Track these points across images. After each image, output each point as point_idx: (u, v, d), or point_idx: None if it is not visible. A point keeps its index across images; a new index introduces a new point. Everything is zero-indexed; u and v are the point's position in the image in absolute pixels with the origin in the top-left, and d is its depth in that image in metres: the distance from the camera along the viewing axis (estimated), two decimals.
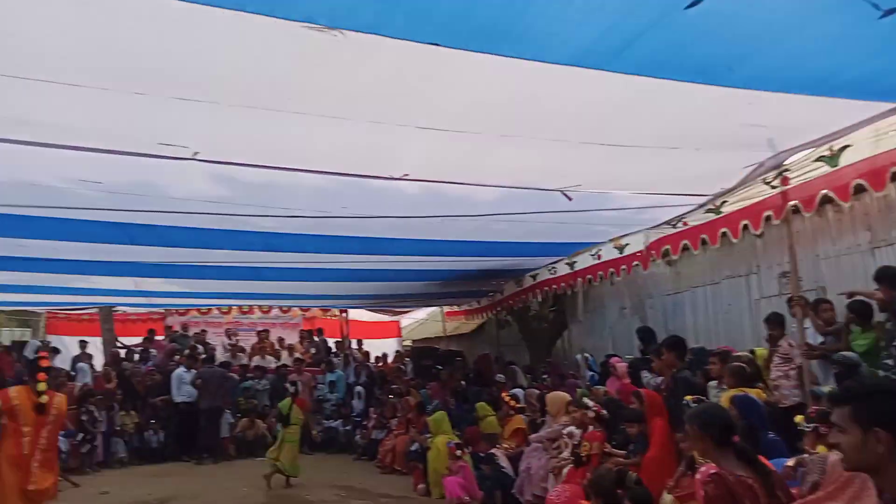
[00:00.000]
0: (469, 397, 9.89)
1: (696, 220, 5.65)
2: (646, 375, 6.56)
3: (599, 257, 7.22)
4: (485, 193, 4.99)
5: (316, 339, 14.20)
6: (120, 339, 13.46)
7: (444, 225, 5.83)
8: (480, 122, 3.56)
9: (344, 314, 15.73)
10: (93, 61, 2.77)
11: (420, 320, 16.69)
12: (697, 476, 3.72)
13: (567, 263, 7.83)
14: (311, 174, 4.38)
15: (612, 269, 7.09)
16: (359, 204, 5.11)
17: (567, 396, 6.82)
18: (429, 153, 4.05)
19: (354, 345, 14.79)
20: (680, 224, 5.88)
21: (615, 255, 6.98)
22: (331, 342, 14.59)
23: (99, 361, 12.17)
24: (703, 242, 5.73)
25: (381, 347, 15.14)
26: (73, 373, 11.03)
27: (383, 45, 2.66)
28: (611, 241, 6.88)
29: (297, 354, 13.65)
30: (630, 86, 3.02)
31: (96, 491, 8.12)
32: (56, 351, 11.71)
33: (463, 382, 11.10)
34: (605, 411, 5.87)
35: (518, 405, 8.13)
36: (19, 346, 11.62)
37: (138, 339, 13.57)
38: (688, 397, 4.14)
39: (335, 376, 12.68)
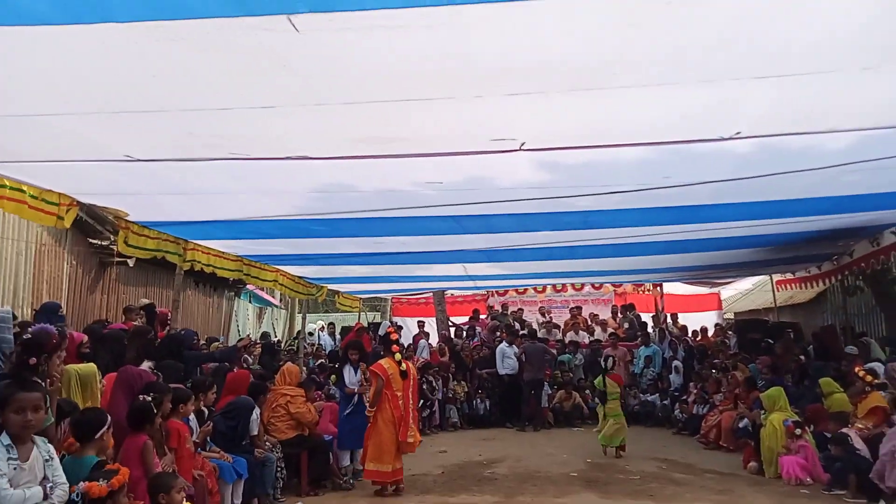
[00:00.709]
0: (810, 372, 8.84)
1: None
2: None
3: None
4: (833, 142, 4.30)
5: (629, 314, 14.04)
6: (451, 318, 15.12)
7: (781, 183, 5.19)
8: (834, 57, 3.07)
9: (658, 288, 15.25)
10: (442, 74, 3.10)
11: (744, 291, 15.32)
12: None
13: None
14: (632, 147, 4.31)
15: None
16: (682, 171, 4.84)
17: None
18: (768, 104, 3.63)
19: (669, 320, 14.27)
20: None
21: None
22: (645, 317, 14.31)
23: (434, 338, 13.82)
24: None
25: (699, 321, 14.37)
26: (414, 349, 12.77)
27: None
28: None
29: (610, 329, 13.70)
30: None
31: (436, 450, 9.24)
32: (399, 328, 13.68)
33: (802, 357, 9.95)
34: None
35: (877, 380, 7.02)
36: (374, 326, 13.73)
37: (465, 318, 15.09)
38: None
39: (650, 350, 12.45)
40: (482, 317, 15.01)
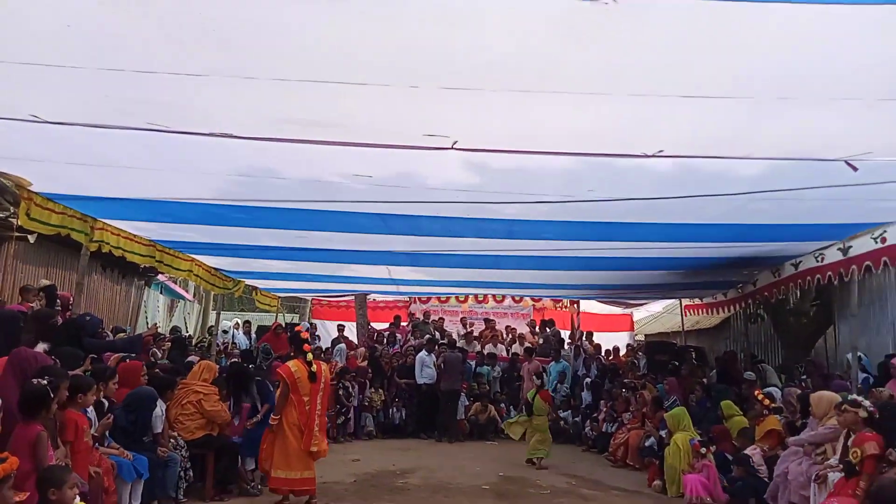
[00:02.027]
0: (712, 395, 9.27)
1: None
2: None
3: (884, 240, 6.17)
4: (747, 168, 4.54)
5: (548, 330, 14.32)
6: (371, 324, 14.96)
7: (693, 207, 5.44)
8: (757, 84, 3.24)
9: (575, 305, 15.65)
10: (378, 60, 3.05)
11: (655, 314, 15.98)
12: None
13: (840, 249, 6.82)
14: (560, 156, 4.40)
15: None
16: (605, 186, 4.99)
17: (836, 397, 6.05)
18: (690, 125, 3.79)
19: (584, 337, 14.66)
20: None
21: None
22: (563, 334, 14.63)
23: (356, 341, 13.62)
24: None
25: (612, 341, 14.82)
26: (331, 352, 12.55)
27: (655, 7, 2.55)
28: None
29: (527, 343, 13.92)
30: None
31: (349, 458, 9.08)
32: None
33: (704, 380, 10.43)
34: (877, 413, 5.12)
35: (774, 405, 7.44)
36: (291, 327, 13.38)
37: (385, 325, 14.97)
38: None
39: (561, 366, 12.70)
40: (403, 324, 14.93)
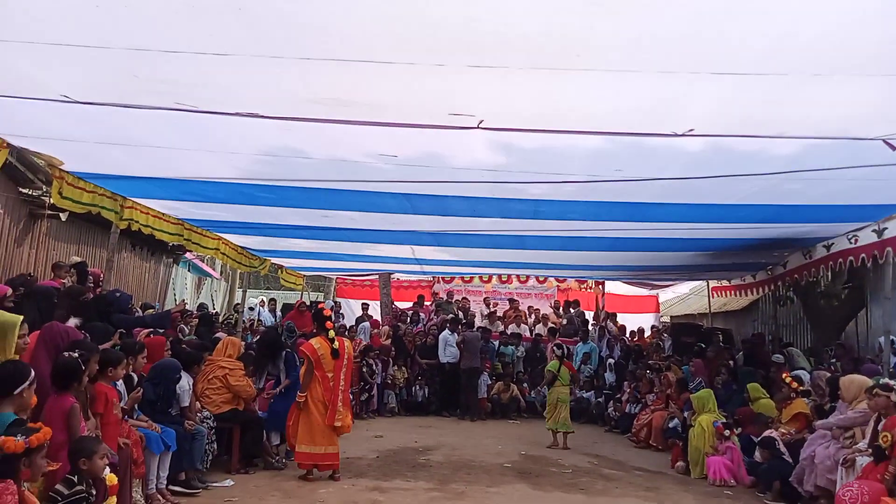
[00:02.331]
0: (739, 377, 9.17)
1: None
2: None
3: None
4: (780, 148, 4.43)
5: (572, 310, 14.26)
6: (395, 303, 15.04)
7: (725, 187, 5.34)
8: (788, 60, 3.14)
9: (600, 286, 15.54)
10: (404, 37, 3.02)
11: (682, 295, 15.81)
12: None
13: (874, 231, 6.65)
14: (588, 136, 4.33)
15: None
16: (634, 165, 4.91)
17: (867, 381, 5.92)
18: (720, 103, 3.70)
19: (609, 319, 14.57)
20: None
21: None
22: (587, 315, 14.56)
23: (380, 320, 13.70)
24: None
25: (637, 322, 14.71)
26: (355, 330, 12.66)
27: None
28: None
29: (550, 324, 13.88)
30: None
31: (372, 434, 9.16)
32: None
33: (731, 362, 10.31)
34: None
35: (802, 387, 7.33)
36: (315, 305, 13.49)
37: (409, 304, 15.04)
38: None
39: (588, 347, 12.66)
40: (426, 303, 14.99)
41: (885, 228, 6.54)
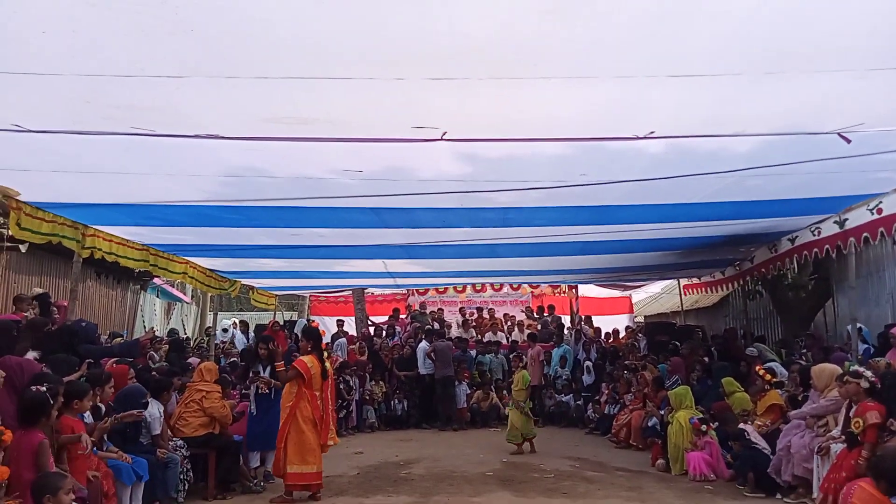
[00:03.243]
0: (714, 373, 9.29)
1: None
2: None
3: (880, 211, 6.16)
4: (739, 145, 4.51)
5: (547, 316, 14.33)
6: (370, 318, 14.95)
7: (689, 186, 5.41)
8: (741, 59, 3.20)
9: (573, 290, 15.66)
10: (362, 52, 3.00)
11: (654, 295, 16.02)
12: None
13: (836, 222, 6.81)
14: (551, 143, 4.36)
15: None
16: (598, 169, 4.95)
17: (837, 369, 6.08)
18: (679, 104, 3.75)
19: (584, 321, 14.68)
20: None
21: None
22: (564, 319, 14.66)
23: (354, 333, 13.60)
24: None
25: (611, 324, 14.85)
26: (331, 347, 12.53)
27: None
28: None
29: (528, 330, 13.93)
30: None
31: (352, 451, 9.10)
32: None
33: (706, 358, 10.45)
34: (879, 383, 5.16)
35: (775, 380, 7.46)
36: (290, 324, 13.36)
37: (385, 318, 14.96)
38: None
39: (563, 350, 12.73)
40: (402, 316, 14.92)
41: (846, 219, 6.70)
